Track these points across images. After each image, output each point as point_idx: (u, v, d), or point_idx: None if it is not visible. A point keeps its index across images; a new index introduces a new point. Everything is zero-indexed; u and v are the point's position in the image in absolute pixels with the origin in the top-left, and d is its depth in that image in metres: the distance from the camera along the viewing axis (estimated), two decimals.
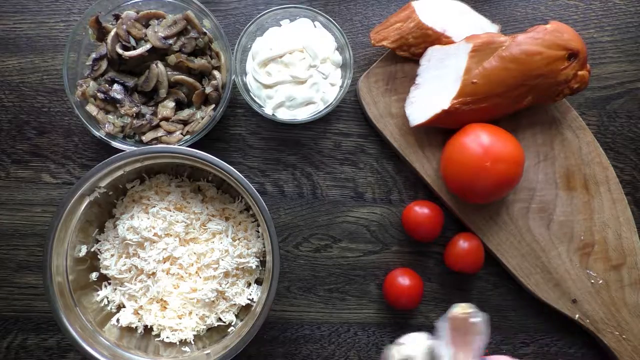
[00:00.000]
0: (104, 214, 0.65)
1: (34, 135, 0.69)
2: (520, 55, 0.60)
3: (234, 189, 0.63)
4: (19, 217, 0.69)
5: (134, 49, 0.62)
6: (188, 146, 0.63)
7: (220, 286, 0.62)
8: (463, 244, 0.65)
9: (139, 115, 0.64)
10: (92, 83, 0.63)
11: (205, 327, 0.63)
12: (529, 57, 0.60)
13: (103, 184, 0.60)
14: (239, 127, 0.70)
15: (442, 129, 0.66)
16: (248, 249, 0.63)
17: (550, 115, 0.68)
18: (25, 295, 0.68)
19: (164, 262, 0.62)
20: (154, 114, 0.64)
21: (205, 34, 0.65)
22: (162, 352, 0.61)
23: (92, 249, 0.64)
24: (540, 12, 0.71)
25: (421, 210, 0.65)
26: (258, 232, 0.65)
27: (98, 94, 0.63)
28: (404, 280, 0.65)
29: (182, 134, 0.64)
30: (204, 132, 0.63)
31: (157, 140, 0.64)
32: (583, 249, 0.67)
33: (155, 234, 0.61)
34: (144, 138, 0.64)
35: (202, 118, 0.64)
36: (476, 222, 0.67)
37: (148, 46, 0.62)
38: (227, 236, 0.63)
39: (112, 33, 0.62)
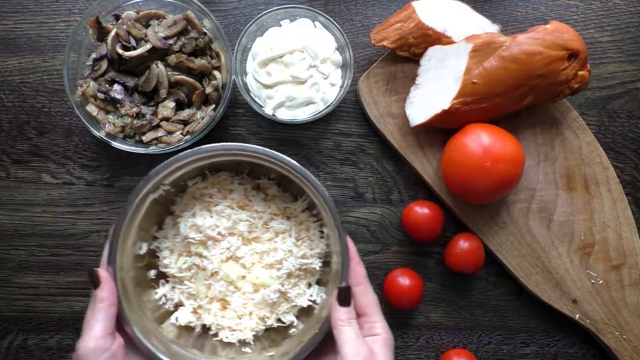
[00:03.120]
0: (162, 211, 0.63)
1: (34, 135, 0.69)
2: (521, 55, 0.60)
3: (295, 188, 0.62)
4: (19, 217, 0.69)
5: (134, 49, 0.62)
6: (188, 146, 0.63)
7: (283, 286, 0.61)
8: (463, 244, 0.65)
9: (139, 116, 0.64)
10: (92, 83, 0.63)
11: (264, 327, 0.62)
12: (529, 57, 0.60)
13: (168, 181, 0.59)
14: (239, 127, 0.70)
15: (442, 129, 0.66)
16: (311, 250, 0.62)
17: (551, 115, 0.68)
18: (25, 295, 0.68)
19: (227, 261, 0.61)
20: (154, 114, 0.64)
21: (205, 34, 0.65)
22: (220, 352, 0.60)
23: (152, 247, 0.62)
24: (540, 12, 0.71)
25: (421, 210, 0.65)
26: (321, 232, 0.63)
27: (98, 94, 0.63)
28: (404, 280, 0.65)
29: (182, 134, 0.64)
30: (204, 132, 0.63)
31: (157, 140, 0.64)
32: (583, 249, 0.67)
33: (219, 233, 0.60)
34: (144, 138, 0.64)
35: (202, 118, 0.64)
36: (476, 222, 0.67)
37: (148, 46, 0.62)
38: (291, 236, 0.62)
39: (113, 33, 0.62)
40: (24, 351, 0.68)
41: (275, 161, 0.57)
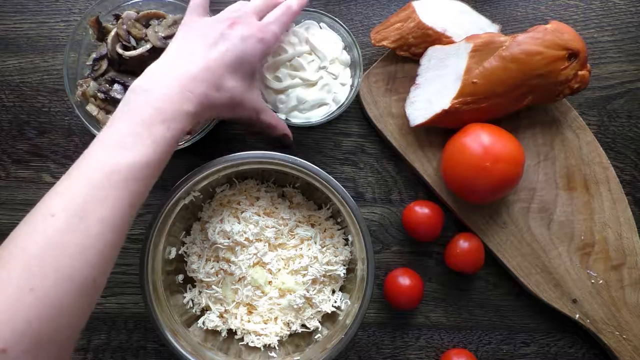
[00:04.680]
0: (189, 216, 0.64)
1: (34, 135, 0.69)
2: (521, 55, 0.60)
3: (319, 196, 0.64)
4: (19, 217, 0.68)
5: (135, 49, 0.62)
6: (188, 146, 0.63)
7: (308, 292, 0.62)
8: (463, 244, 0.65)
9: None
10: (92, 83, 0.63)
11: (288, 332, 0.63)
12: (529, 57, 0.60)
13: (198, 187, 0.60)
14: (239, 127, 0.70)
15: (442, 129, 0.66)
16: (336, 257, 0.63)
17: (551, 115, 0.68)
18: None
19: (254, 267, 0.62)
20: None
21: None
22: (245, 356, 0.61)
23: (180, 252, 0.64)
24: (540, 12, 0.71)
25: (421, 210, 0.65)
26: (345, 240, 0.64)
27: (98, 94, 0.63)
28: (404, 280, 0.65)
29: None
30: (204, 132, 0.63)
31: None
32: (583, 249, 0.67)
33: (246, 239, 0.61)
34: None
35: None
36: (476, 222, 0.67)
37: (148, 46, 0.62)
38: (316, 243, 0.63)
39: (113, 33, 0.62)
40: None
41: (303, 169, 0.58)
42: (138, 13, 0.64)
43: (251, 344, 0.62)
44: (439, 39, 0.64)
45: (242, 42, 0.54)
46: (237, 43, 0.54)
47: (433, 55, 0.64)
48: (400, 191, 0.70)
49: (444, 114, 0.63)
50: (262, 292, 0.62)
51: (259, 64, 0.58)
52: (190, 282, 0.65)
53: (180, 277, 0.63)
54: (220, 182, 0.63)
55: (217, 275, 0.63)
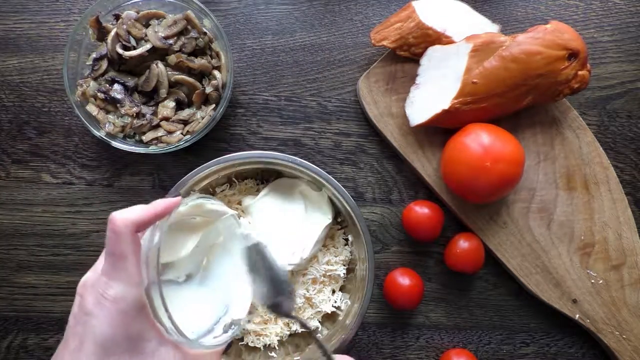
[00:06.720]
0: None
1: (34, 135, 0.69)
2: (521, 55, 0.60)
3: None
4: (19, 217, 0.69)
5: (134, 49, 0.62)
6: (188, 146, 0.63)
7: (308, 292, 0.61)
8: (463, 244, 0.65)
9: (139, 115, 0.64)
10: (92, 83, 0.63)
11: (288, 333, 0.63)
12: (529, 57, 0.60)
13: (198, 187, 0.60)
14: (239, 127, 0.70)
15: (442, 129, 0.66)
16: (336, 257, 0.63)
17: (551, 115, 0.68)
18: (25, 295, 0.68)
19: None
20: (154, 113, 0.64)
21: (205, 33, 0.65)
22: (245, 356, 0.61)
23: None
24: (540, 12, 0.71)
25: (421, 210, 0.65)
26: (345, 240, 0.64)
27: (98, 93, 0.63)
28: (404, 280, 0.65)
29: (182, 133, 0.64)
30: (204, 132, 0.63)
31: (157, 140, 0.64)
32: (583, 249, 0.67)
33: None
34: (144, 138, 0.64)
35: (203, 118, 0.64)
36: (476, 222, 0.67)
37: (148, 46, 0.62)
38: None
39: (113, 33, 0.62)
40: (24, 351, 0.68)
41: (303, 169, 0.58)
42: (138, 13, 0.64)
43: (251, 344, 0.62)
44: (439, 39, 0.64)
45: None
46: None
47: (433, 55, 0.64)
48: (400, 191, 0.70)
49: (444, 114, 0.63)
50: None
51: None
52: None
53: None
54: (220, 182, 0.63)
55: None
